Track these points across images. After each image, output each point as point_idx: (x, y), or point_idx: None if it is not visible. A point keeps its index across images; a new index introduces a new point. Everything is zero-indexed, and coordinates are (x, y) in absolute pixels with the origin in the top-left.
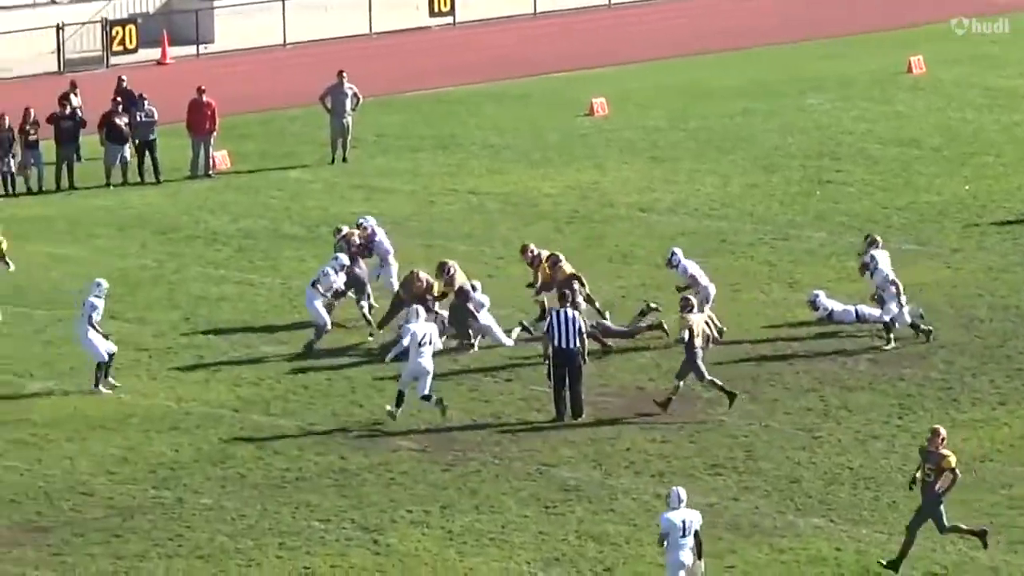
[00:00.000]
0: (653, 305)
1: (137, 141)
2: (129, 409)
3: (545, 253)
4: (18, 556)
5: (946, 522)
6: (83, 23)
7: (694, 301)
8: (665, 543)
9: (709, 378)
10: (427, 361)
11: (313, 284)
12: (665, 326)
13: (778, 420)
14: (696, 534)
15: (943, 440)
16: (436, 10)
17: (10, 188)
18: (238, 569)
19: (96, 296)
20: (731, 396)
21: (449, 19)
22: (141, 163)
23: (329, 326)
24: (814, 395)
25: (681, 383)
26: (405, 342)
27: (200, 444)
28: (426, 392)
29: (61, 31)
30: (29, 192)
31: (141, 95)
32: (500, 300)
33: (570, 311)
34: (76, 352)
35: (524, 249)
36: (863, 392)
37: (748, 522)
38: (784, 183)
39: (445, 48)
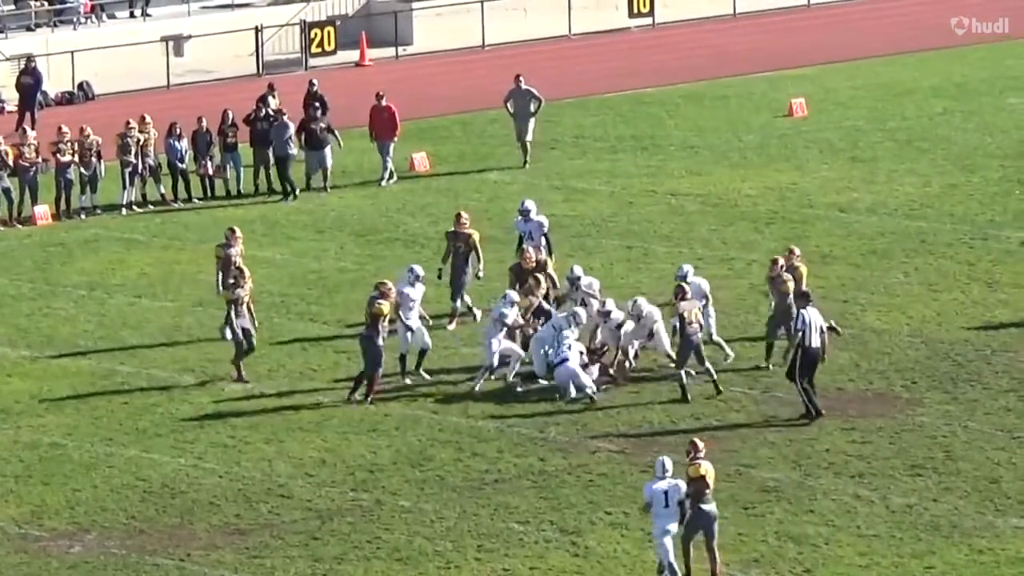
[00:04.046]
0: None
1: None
2: (328, 411)
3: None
4: (217, 559)
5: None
6: (282, 25)
7: (687, 288)
8: (651, 513)
9: (685, 369)
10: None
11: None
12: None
13: (977, 420)
14: (680, 504)
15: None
16: (635, 11)
17: (208, 191)
18: (437, 571)
19: (411, 286)
20: (685, 394)
21: (648, 20)
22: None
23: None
24: (1014, 395)
25: (707, 368)
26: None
27: (399, 446)
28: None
29: (260, 33)
30: (228, 195)
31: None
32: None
33: (814, 310)
34: (275, 355)
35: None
36: None
37: (947, 523)
38: (984, 183)
39: (644, 49)
